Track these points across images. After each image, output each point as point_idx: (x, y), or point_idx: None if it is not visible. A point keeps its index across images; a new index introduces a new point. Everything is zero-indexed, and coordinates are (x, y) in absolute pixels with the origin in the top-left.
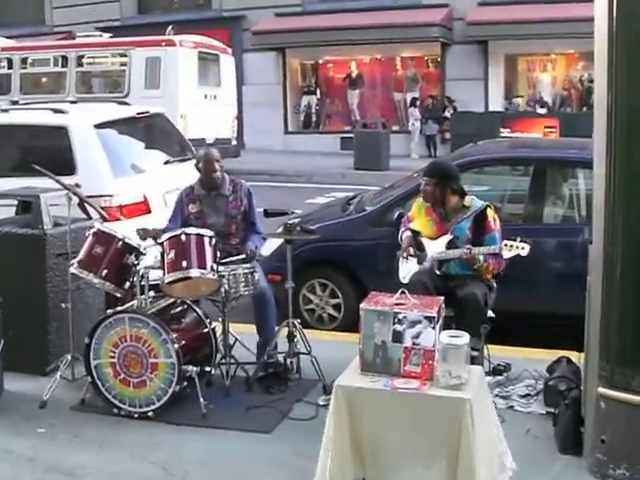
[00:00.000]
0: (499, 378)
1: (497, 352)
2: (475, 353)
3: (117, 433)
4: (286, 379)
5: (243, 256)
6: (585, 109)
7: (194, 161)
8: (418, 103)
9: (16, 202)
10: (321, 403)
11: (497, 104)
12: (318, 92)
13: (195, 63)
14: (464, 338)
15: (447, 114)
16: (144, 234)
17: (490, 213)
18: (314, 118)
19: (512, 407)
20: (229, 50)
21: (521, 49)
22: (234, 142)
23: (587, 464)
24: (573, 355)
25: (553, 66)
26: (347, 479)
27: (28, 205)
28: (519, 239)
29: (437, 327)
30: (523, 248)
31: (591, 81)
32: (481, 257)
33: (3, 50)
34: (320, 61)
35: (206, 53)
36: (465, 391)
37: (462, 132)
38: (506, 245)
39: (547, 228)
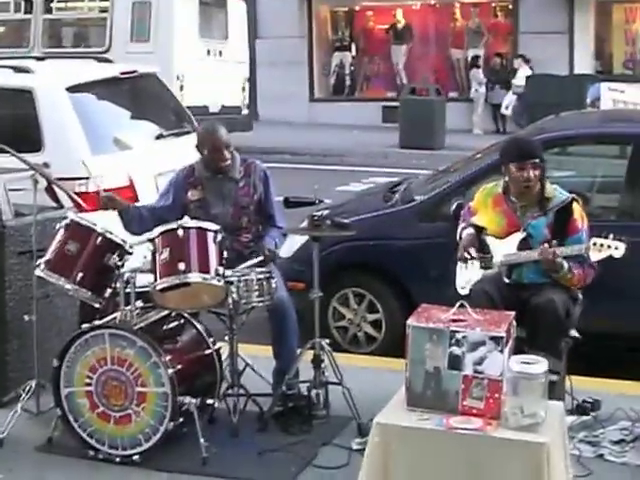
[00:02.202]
0: (585, 418)
1: (583, 385)
2: (554, 377)
3: None
4: (310, 416)
5: (258, 258)
6: None
7: (194, 140)
8: (482, 63)
9: None
10: (355, 447)
11: (585, 65)
12: (353, 48)
13: (196, 9)
14: (541, 365)
15: (520, 78)
16: (109, 203)
17: (577, 208)
18: (348, 81)
19: (602, 455)
20: None
21: None
22: (245, 111)
23: None
24: None
25: None
26: None
27: None
28: (611, 236)
29: (506, 350)
30: (617, 248)
31: None
32: (565, 264)
33: None
34: (356, 8)
35: None
36: (541, 433)
37: (539, 101)
38: (595, 244)
39: None
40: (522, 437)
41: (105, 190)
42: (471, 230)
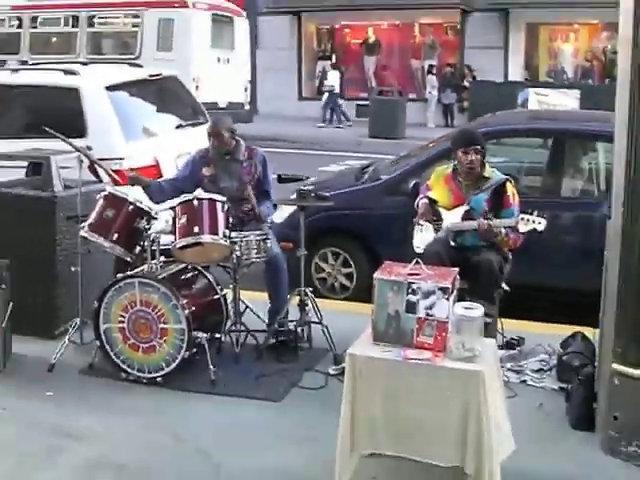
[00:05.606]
0: (512, 352)
1: (511, 326)
2: (488, 319)
3: (125, 398)
4: (296, 348)
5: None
6: (607, 81)
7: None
8: (436, 71)
9: (26, 164)
10: (331, 372)
11: (517, 74)
12: (334, 58)
13: (209, 25)
14: (478, 310)
15: (466, 83)
16: (135, 181)
17: (510, 187)
18: None
19: (525, 381)
20: (243, 13)
21: (543, 18)
22: (247, 107)
23: (599, 440)
24: (588, 331)
25: (576, 36)
26: (362, 446)
27: (38, 167)
28: (536, 213)
29: (451, 298)
30: (540, 223)
31: (614, 52)
32: (503, 230)
33: (13, 8)
34: (336, 26)
35: (220, 15)
36: (478, 363)
37: (480, 102)
38: (522, 219)
39: (565, 202)
40: (463, 367)
41: (132, 170)
42: (426, 201)
